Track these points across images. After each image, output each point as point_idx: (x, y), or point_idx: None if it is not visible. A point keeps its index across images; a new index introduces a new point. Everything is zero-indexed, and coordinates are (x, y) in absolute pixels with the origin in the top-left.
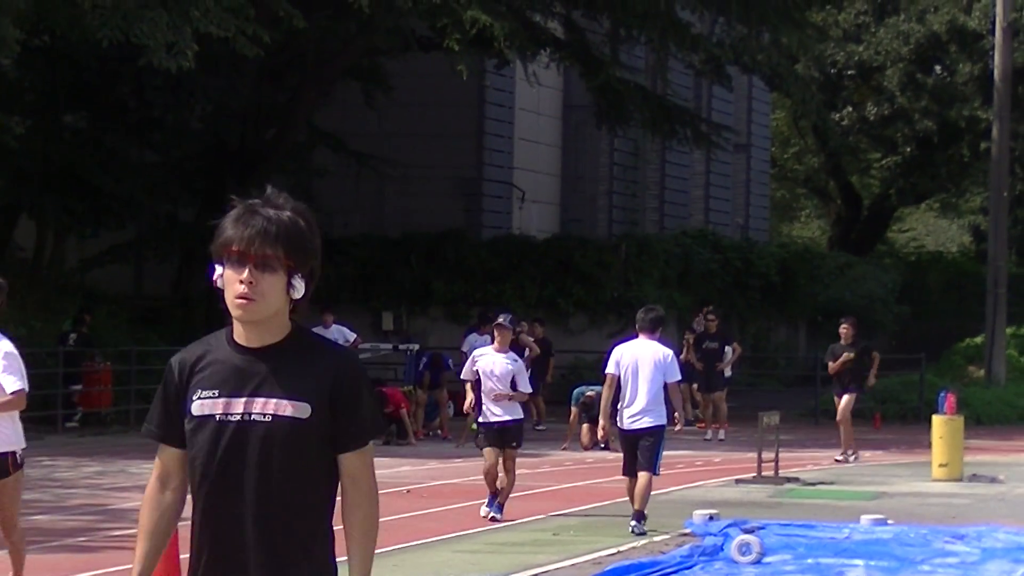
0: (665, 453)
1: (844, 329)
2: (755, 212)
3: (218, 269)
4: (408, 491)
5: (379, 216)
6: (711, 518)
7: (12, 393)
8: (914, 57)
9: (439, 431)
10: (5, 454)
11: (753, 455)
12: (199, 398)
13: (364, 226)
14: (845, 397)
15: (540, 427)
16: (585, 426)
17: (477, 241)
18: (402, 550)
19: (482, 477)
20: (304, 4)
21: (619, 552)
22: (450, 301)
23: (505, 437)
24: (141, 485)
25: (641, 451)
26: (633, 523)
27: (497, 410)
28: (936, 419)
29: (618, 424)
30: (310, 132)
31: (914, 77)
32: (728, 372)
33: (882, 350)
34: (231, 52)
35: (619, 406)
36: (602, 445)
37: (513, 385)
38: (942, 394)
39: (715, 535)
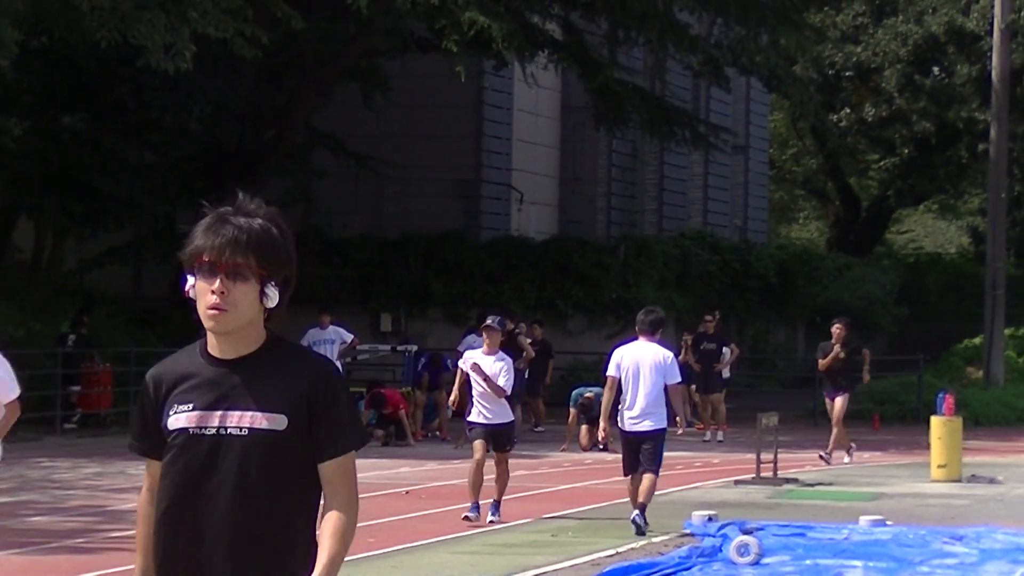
0: (664, 454)
1: (836, 329)
2: (753, 213)
3: (190, 279)
4: (407, 492)
5: (378, 217)
6: (710, 519)
7: (7, 404)
8: (912, 58)
9: (438, 432)
10: None
11: (752, 456)
12: (174, 412)
13: (363, 227)
14: (839, 399)
15: (539, 429)
16: (584, 427)
17: (476, 243)
18: (401, 551)
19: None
20: (302, 5)
21: (618, 553)
22: (449, 302)
23: (497, 440)
24: (140, 486)
25: (644, 455)
26: (636, 513)
27: (488, 412)
28: (935, 420)
29: (619, 425)
30: (309, 133)
31: (912, 78)
32: (726, 373)
33: (880, 351)
34: (229, 53)
35: (620, 408)
36: (600, 447)
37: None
38: (941, 395)
39: (714, 536)
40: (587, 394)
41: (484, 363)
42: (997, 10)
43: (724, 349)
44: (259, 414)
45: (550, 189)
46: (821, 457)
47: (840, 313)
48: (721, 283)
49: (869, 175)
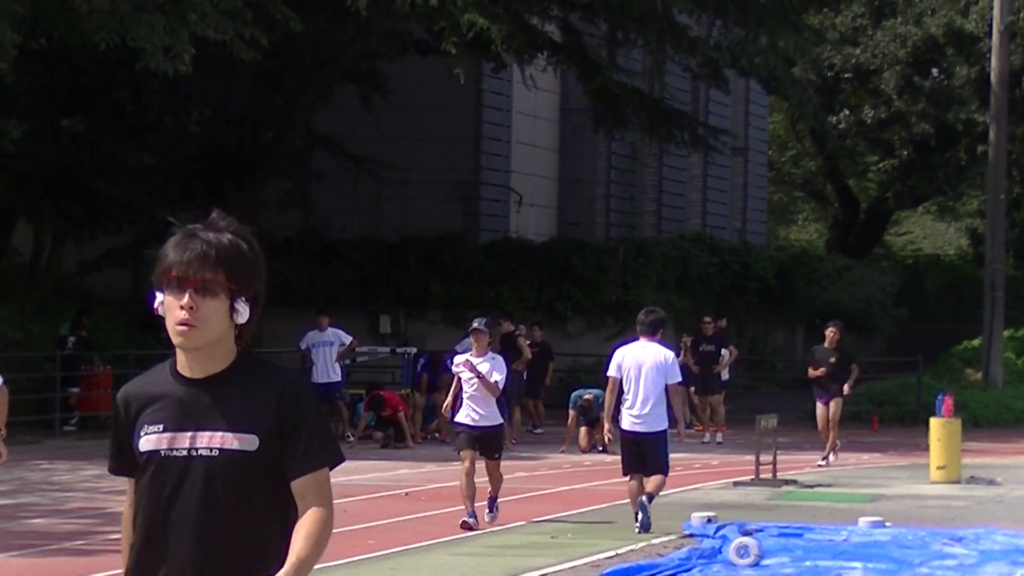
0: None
1: (830, 332)
2: (752, 215)
3: (159, 296)
4: (406, 494)
5: (377, 220)
6: (709, 520)
7: None
8: (911, 60)
9: (437, 434)
10: None
11: (751, 458)
12: (145, 434)
13: (362, 230)
14: (832, 404)
15: (538, 430)
16: (583, 429)
17: (475, 245)
18: (400, 553)
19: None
20: (301, 7)
21: (617, 555)
22: (448, 305)
23: (484, 446)
24: None
25: (649, 458)
26: (643, 497)
27: (476, 415)
28: (934, 421)
29: (620, 425)
30: (307, 136)
31: (911, 80)
32: (725, 375)
33: (879, 353)
34: (228, 55)
35: (621, 408)
36: (600, 448)
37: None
38: (940, 397)
39: (713, 537)
40: (586, 396)
41: (475, 364)
42: (996, 11)
43: (723, 351)
44: (230, 434)
45: (549, 191)
46: (820, 466)
47: (839, 315)
48: (720, 285)
49: (868, 177)
